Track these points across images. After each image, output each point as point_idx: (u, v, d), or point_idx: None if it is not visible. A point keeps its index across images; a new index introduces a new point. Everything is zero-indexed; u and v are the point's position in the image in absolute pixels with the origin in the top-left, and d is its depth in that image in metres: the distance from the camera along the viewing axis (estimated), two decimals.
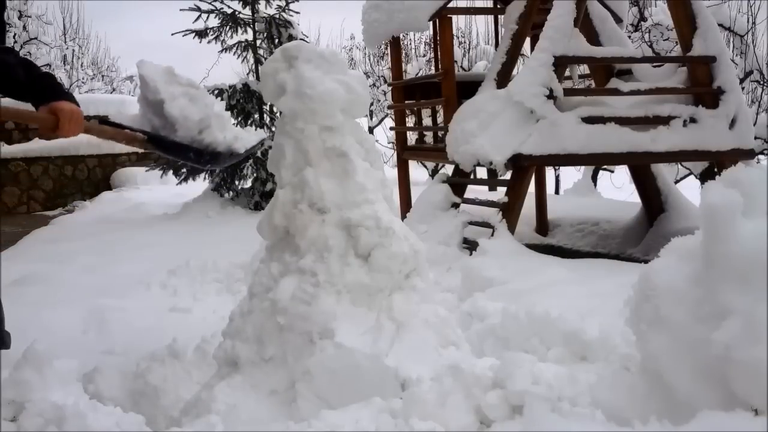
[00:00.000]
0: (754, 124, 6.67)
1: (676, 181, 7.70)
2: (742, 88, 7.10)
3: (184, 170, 8.01)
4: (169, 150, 2.39)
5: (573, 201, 7.13)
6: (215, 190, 7.95)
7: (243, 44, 8.14)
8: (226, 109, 7.78)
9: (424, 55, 14.07)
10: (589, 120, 4.68)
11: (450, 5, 5.40)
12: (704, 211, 1.57)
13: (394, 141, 7.44)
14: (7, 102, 2.33)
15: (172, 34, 8.00)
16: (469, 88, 5.30)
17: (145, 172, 9.52)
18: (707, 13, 5.00)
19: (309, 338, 2.05)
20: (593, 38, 5.38)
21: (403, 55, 10.81)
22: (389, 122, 12.47)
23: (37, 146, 10.24)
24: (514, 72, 5.36)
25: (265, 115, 8.01)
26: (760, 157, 7.55)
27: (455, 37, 10.50)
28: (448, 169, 6.14)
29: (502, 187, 5.00)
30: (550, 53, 4.70)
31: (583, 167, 8.93)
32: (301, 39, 7.66)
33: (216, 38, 8.02)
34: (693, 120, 4.78)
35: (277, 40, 7.95)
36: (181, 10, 7.75)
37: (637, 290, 1.76)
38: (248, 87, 7.76)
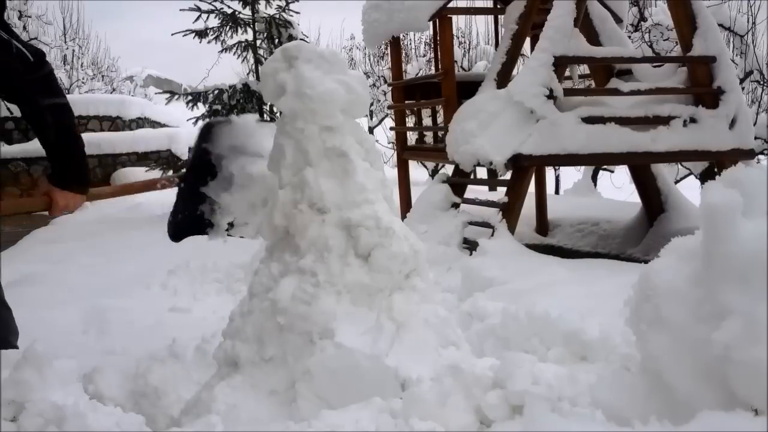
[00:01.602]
0: (754, 124, 6.67)
1: (676, 181, 7.70)
2: (742, 88, 7.10)
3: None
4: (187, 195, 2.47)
5: (573, 201, 7.13)
6: None
7: (243, 44, 8.13)
8: (227, 109, 7.74)
9: (424, 55, 14.07)
10: (589, 120, 4.68)
11: (450, 5, 5.40)
12: (704, 211, 1.57)
13: (394, 141, 7.44)
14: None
15: (172, 35, 8.00)
16: (469, 88, 5.30)
17: (144, 173, 9.52)
18: (707, 13, 5.01)
19: (309, 338, 2.05)
20: (593, 38, 5.38)
21: (403, 55, 10.81)
22: (389, 122, 12.46)
23: (37, 146, 10.19)
24: (514, 72, 5.37)
25: (265, 115, 8.00)
26: (760, 157, 7.55)
27: (455, 37, 10.49)
28: (448, 169, 6.14)
29: (502, 187, 5.00)
30: (550, 53, 4.70)
31: (583, 167, 8.93)
32: (301, 39, 7.66)
33: (216, 38, 8.01)
34: (693, 120, 4.78)
35: (277, 40, 7.94)
36: (181, 10, 7.75)
37: (637, 290, 1.76)
38: (248, 87, 7.76)
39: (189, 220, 2.46)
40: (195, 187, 2.45)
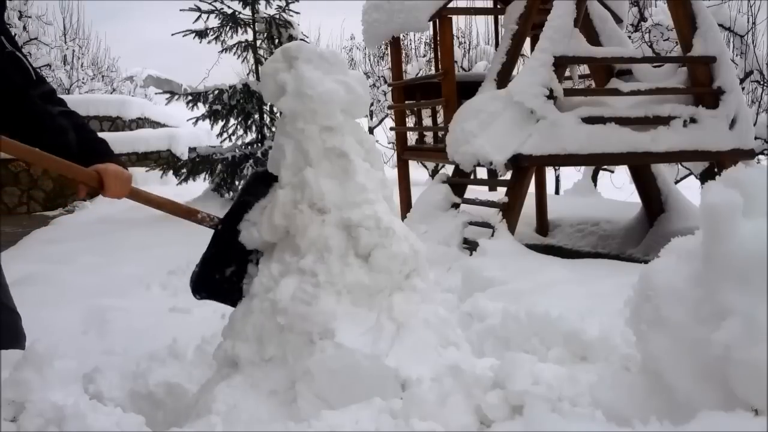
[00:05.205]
0: (754, 124, 6.67)
1: (676, 181, 7.70)
2: (742, 88, 7.11)
3: (184, 170, 8.01)
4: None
5: (573, 201, 7.13)
6: (215, 190, 7.95)
7: (243, 44, 8.14)
8: (227, 109, 7.72)
9: (424, 55, 14.08)
10: (590, 120, 4.68)
11: (450, 5, 5.40)
12: (704, 211, 1.57)
13: (394, 141, 7.44)
14: None
15: (172, 35, 8.01)
16: (469, 88, 5.30)
17: (145, 173, 9.51)
18: (707, 13, 5.00)
19: (309, 338, 2.05)
20: (593, 38, 5.38)
21: (403, 55, 10.81)
22: (389, 122, 12.47)
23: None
24: (514, 72, 5.37)
25: (265, 115, 8.01)
26: (760, 157, 7.56)
27: (455, 37, 10.50)
28: (448, 169, 6.13)
29: (502, 187, 5.00)
30: (550, 53, 4.70)
31: (583, 167, 8.93)
32: (301, 39, 7.66)
33: (216, 38, 8.02)
34: (693, 120, 4.78)
35: (277, 41, 7.95)
36: (181, 10, 7.75)
37: (637, 290, 1.76)
38: (248, 87, 7.76)
39: (216, 283, 2.29)
40: (230, 240, 2.27)
